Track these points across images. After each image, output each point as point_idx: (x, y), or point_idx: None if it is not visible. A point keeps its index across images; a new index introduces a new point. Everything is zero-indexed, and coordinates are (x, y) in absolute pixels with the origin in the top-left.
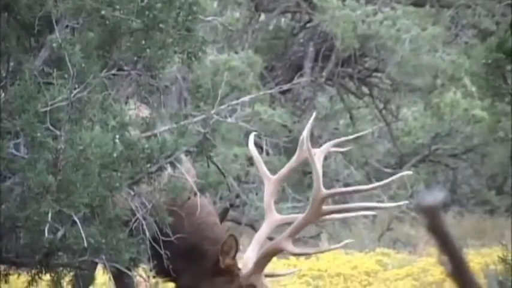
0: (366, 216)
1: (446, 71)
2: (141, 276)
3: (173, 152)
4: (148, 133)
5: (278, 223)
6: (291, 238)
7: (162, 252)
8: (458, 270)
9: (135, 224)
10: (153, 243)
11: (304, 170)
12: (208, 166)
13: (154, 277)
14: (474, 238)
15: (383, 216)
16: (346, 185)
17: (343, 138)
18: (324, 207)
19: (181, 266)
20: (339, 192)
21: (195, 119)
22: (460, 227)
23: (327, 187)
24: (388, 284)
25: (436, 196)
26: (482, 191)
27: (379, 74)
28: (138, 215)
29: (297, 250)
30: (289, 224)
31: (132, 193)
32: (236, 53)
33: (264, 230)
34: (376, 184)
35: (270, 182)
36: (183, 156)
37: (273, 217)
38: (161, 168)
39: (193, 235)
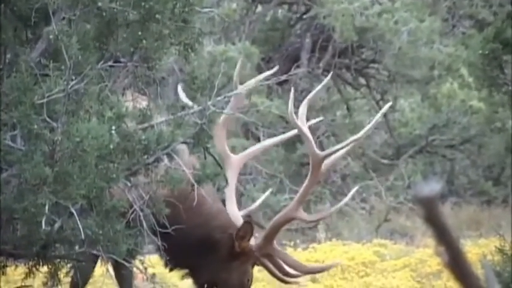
0: (363, 208)
1: (444, 62)
2: (138, 267)
3: (170, 143)
4: (145, 124)
5: (241, 165)
6: (300, 205)
7: (159, 243)
8: (456, 261)
9: (132, 216)
10: (152, 237)
11: (302, 162)
12: (205, 158)
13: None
14: (471, 229)
15: (380, 207)
16: (344, 176)
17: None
18: (323, 169)
19: (196, 259)
20: (334, 151)
21: (192, 110)
22: (457, 218)
23: (325, 177)
24: (386, 274)
25: (433, 187)
26: (479, 181)
27: (376, 65)
28: (135, 206)
29: (309, 217)
30: (252, 159)
31: (129, 184)
32: (233, 44)
33: (231, 180)
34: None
35: (217, 127)
36: (184, 147)
37: (233, 160)
38: (158, 160)
39: (202, 226)
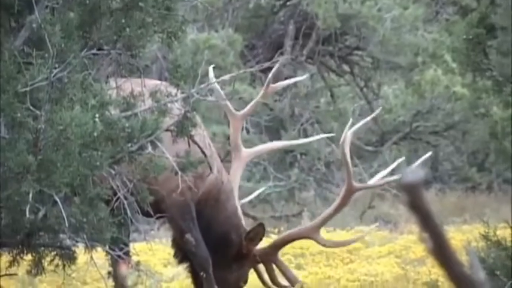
0: None
1: (427, 49)
2: (121, 256)
3: (153, 131)
4: (129, 112)
5: (248, 159)
6: (320, 228)
7: (143, 230)
8: (440, 247)
9: (116, 204)
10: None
11: (286, 149)
12: (189, 145)
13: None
14: (455, 215)
15: (364, 194)
16: (328, 163)
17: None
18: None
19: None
20: (369, 187)
21: (176, 98)
22: (441, 204)
23: (309, 166)
24: (370, 261)
25: (417, 174)
26: (463, 168)
27: (359, 52)
28: (119, 194)
29: (327, 242)
30: (258, 156)
31: (113, 172)
32: (216, 31)
33: (236, 171)
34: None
35: (235, 118)
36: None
37: (242, 154)
38: (142, 147)
39: (225, 222)
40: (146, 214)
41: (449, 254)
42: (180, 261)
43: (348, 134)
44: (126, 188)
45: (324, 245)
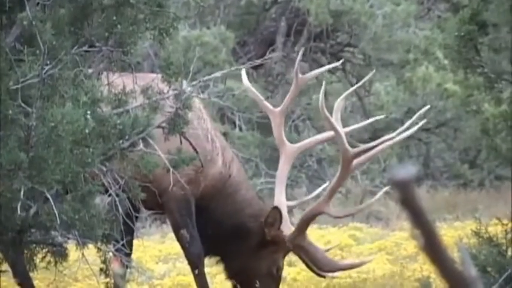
0: (339, 191)
1: (419, 45)
2: (113, 252)
3: (145, 127)
4: (120, 109)
5: (295, 154)
6: (330, 200)
7: (134, 227)
8: (431, 244)
9: (108, 200)
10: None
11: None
12: (181, 142)
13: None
14: (447, 212)
15: (356, 191)
16: (319, 160)
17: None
18: (353, 163)
19: (228, 246)
20: (366, 149)
21: (167, 95)
22: (433, 201)
23: (301, 162)
24: (362, 258)
25: (409, 170)
26: (455, 164)
27: (351, 49)
28: (110, 191)
29: (337, 213)
30: (307, 149)
31: (105, 169)
32: (208, 28)
33: (283, 166)
34: (399, 131)
35: (275, 115)
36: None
37: (288, 149)
38: (133, 144)
39: (236, 214)
40: (138, 211)
41: (441, 250)
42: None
43: (339, 101)
44: (117, 184)
45: (337, 217)
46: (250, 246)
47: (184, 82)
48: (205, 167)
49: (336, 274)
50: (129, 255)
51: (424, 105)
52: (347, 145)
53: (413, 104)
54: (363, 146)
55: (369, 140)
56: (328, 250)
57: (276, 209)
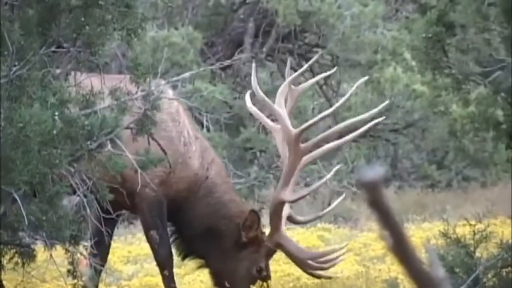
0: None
1: (387, 46)
2: (81, 253)
3: (113, 128)
4: (88, 110)
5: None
6: (286, 187)
7: (103, 229)
8: (399, 245)
9: (76, 201)
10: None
11: (245, 147)
12: (149, 143)
13: (184, 258)
14: (415, 213)
15: (324, 192)
16: None
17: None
18: (302, 145)
19: (204, 247)
20: (308, 125)
21: (135, 96)
22: (401, 202)
23: (269, 163)
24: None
25: (376, 171)
26: (423, 165)
27: (319, 50)
28: (78, 192)
29: (294, 196)
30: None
31: (73, 170)
32: (176, 29)
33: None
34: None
35: (278, 132)
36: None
37: (299, 147)
38: (101, 145)
39: (209, 216)
40: (106, 212)
41: (409, 251)
42: (184, 258)
43: (284, 85)
44: (85, 185)
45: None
46: (227, 247)
47: (160, 81)
48: (178, 170)
49: (323, 274)
50: (102, 256)
51: (391, 106)
52: (289, 125)
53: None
54: (304, 124)
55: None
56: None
57: (254, 212)
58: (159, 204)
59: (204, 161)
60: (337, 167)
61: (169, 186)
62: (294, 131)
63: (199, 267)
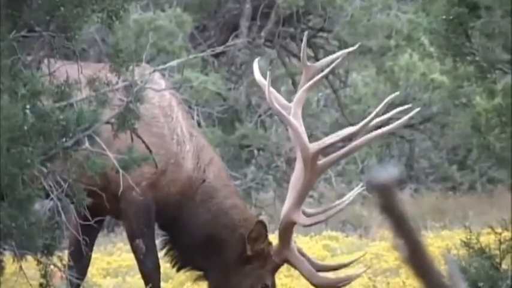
0: (311, 196)
1: (402, 31)
2: (55, 265)
3: (91, 123)
4: (64, 103)
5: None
6: (298, 208)
7: (81, 238)
8: (416, 255)
9: (49, 206)
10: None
11: (241, 144)
12: (132, 140)
13: (178, 270)
14: (434, 219)
15: (330, 195)
16: (289, 160)
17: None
18: (319, 163)
19: (203, 260)
20: (328, 145)
21: (116, 86)
22: (417, 207)
23: (268, 162)
24: (336, 271)
25: (390, 172)
26: (442, 165)
27: (325, 34)
28: (52, 195)
29: (307, 221)
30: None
31: (46, 171)
32: (163, 11)
33: (306, 172)
34: (364, 122)
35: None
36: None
37: (309, 150)
38: (78, 143)
39: (209, 224)
40: (84, 218)
41: (427, 263)
42: (178, 270)
43: (300, 93)
44: (60, 188)
45: (306, 226)
46: (230, 260)
47: (144, 68)
48: (169, 171)
49: None
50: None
51: (407, 98)
52: (306, 142)
53: (395, 97)
54: (323, 142)
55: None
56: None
57: (261, 223)
58: (147, 209)
59: (200, 162)
60: (359, 188)
61: (159, 189)
62: (313, 149)
63: (196, 279)
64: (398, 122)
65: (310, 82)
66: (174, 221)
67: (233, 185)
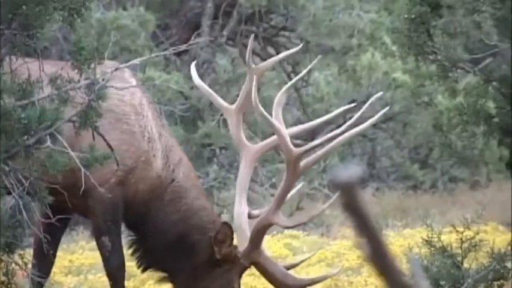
0: (272, 195)
1: (364, 30)
2: (17, 263)
3: (53, 122)
4: (25, 101)
5: (257, 156)
6: (278, 210)
7: (42, 236)
8: (378, 254)
9: (11, 204)
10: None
11: (203, 143)
12: (94, 138)
13: (144, 270)
14: (396, 218)
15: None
16: None
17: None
18: (301, 164)
19: (172, 261)
20: (311, 147)
21: (78, 84)
22: (379, 205)
23: (230, 161)
24: (298, 270)
25: (352, 171)
26: (404, 164)
27: (287, 33)
28: (13, 193)
29: (289, 223)
30: (270, 150)
31: (7, 169)
32: (125, 9)
33: (244, 170)
34: (348, 123)
35: (230, 113)
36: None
37: (249, 150)
38: (40, 141)
39: (178, 225)
40: (45, 216)
41: (389, 261)
42: (144, 270)
43: (280, 95)
44: (22, 186)
45: (287, 227)
46: (198, 263)
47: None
48: (139, 169)
49: None
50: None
51: (369, 97)
52: (291, 145)
53: (357, 96)
54: (307, 145)
55: (306, 137)
56: (293, 267)
57: (226, 224)
58: (115, 206)
59: (169, 161)
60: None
61: (128, 186)
62: (296, 151)
63: (159, 280)
64: (370, 121)
65: (291, 82)
66: (142, 220)
67: (201, 186)
